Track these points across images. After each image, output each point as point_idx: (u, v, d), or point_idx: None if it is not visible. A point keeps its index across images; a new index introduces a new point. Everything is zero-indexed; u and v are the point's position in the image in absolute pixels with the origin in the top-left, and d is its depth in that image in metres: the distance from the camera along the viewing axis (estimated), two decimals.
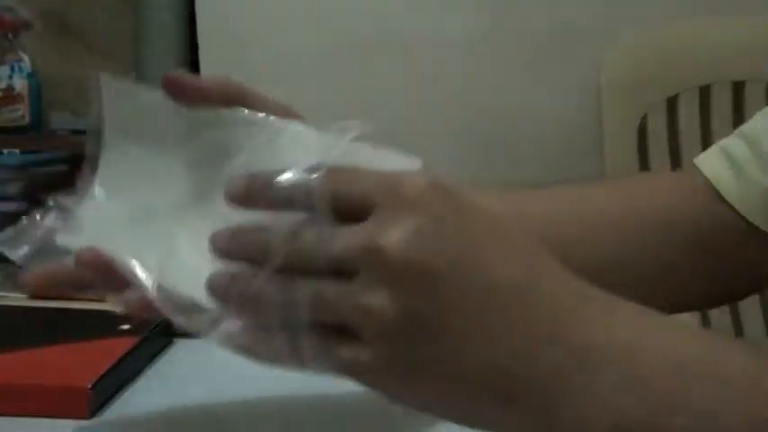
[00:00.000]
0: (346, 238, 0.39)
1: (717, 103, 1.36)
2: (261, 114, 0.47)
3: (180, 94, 0.48)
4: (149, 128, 0.49)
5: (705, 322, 1.26)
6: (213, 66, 1.54)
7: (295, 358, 0.40)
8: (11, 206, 1.74)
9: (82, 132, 2.23)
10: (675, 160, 1.36)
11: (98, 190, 0.49)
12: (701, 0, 1.45)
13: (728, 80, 1.36)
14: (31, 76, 2.03)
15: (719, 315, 1.29)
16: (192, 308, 0.43)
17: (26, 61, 2.03)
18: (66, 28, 2.13)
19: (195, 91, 0.48)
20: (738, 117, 1.36)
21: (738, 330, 1.33)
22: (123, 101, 0.49)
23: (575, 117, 1.49)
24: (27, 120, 2.01)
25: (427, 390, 0.41)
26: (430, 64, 1.53)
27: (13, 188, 1.79)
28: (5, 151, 1.85)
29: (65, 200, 0.48)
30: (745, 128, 0.66)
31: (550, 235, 0.61)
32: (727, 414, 0.41)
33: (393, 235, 0.38)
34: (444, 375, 0.40)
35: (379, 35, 1.53)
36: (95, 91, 0.49)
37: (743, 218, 0.63)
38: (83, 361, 0.58)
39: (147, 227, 0.47)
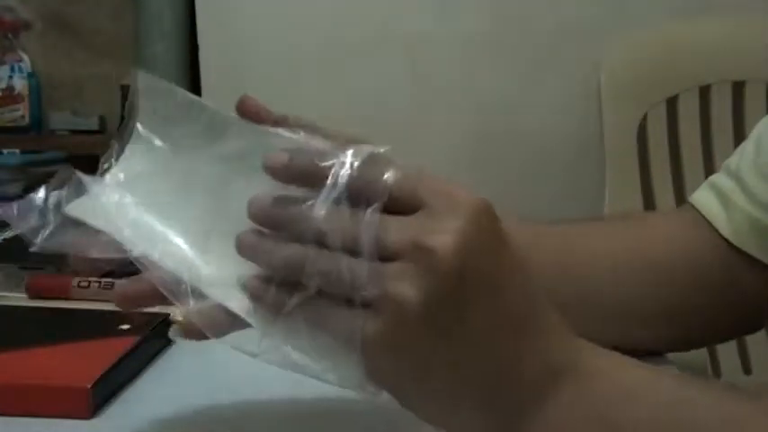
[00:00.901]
0: (397, 228, 0.41)
1: (717, 103, 1.36)
2: (288, 134, 0.46)
3: (250, 116, 0.49)
4: (178, 125, 0.49)
5: None
6: (213, 66, 1.54)
7: (311, 319, 0.42)
8: None
9: (82, 132, 2.22)
10: (675, 160, 1.36)
11: (117, 174, 0.49)
12: (701, 0, 1.44)
13: (728, 80, 1.36)
14: (31, 76, 2.03)
15: None
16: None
17: (26, 61, 2.03)
18: (67, 28, 2.13)
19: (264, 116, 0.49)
20: (738, 117, 1.36)
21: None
22: (158, 97, 0.49)
23: (575, 117, 1.49)
24: (27, 120, 2.02)
25: (416, 382, 0.43)
26: (430, 64, 1.53)
27: (13, 188, 1.79)
28: (5, 151, 1.85)
29: (79, 175, 0.48)
30: (728, 161, 0.69)
31: (558, 273, 0.63)
32: None
33: (444, 238, 0.40)
34: (437, 374, 0.42)
35: (379, 35, 1.53)
36: (132, 87, 0.49)
37: (736, 249, 0.64)
38: (83, 361, 0.58)
39: (163, 219, 0.47)
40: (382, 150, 0.43)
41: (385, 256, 0.41)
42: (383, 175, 0.42)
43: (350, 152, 0.42)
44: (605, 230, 0.69)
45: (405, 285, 0.40)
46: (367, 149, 0.43)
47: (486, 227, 0.42)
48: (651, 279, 0.66)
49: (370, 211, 0.41)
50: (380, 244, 0.41)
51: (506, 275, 0.43)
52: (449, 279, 0.40)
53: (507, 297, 0.43)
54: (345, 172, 0.42)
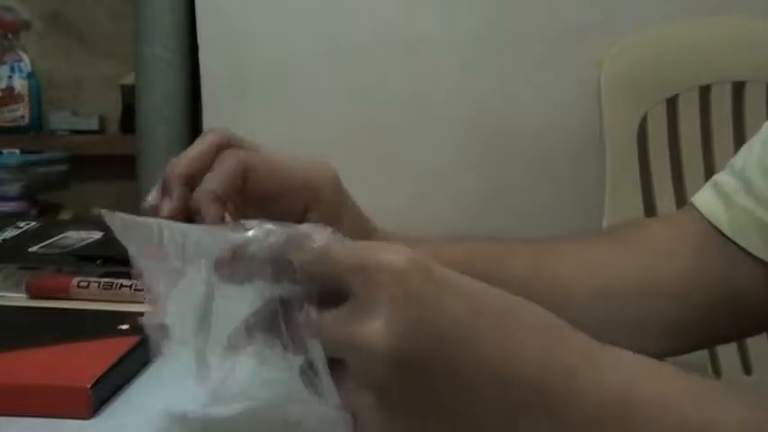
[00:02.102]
0: (331, 327, 0.41)
1: (717, 103, 1.36)
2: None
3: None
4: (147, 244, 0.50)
5: None
6: (213, 66, 1.54)
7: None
8: (11, 206, 1.74)
9: (82, 132, 2.22)
10: (675, 160, 1.36)
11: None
12: (701, 0, 1.45)
13: (728, 80, 1.36)
14: (31, 76, 2.03)
15: None
16: None
17: (26, 61, 2.03)
18: (67, 28, 2.13)
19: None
20: (738, 117, 1.36)
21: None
22: (127, 229, 0.51)
23: (575, 117, 1.49)
24: (27, 120, 2.02)
25: None
26: (430, 64, 1.53)
27: (13, 188, 1.79)
28: (5, 151, 1.85)
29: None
30: (733, 161, 0.68)
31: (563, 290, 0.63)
32: None
33: (374, 332, 0.39)
34: None
35: (379, 35, 1.53)
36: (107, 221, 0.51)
37: (738, 247, 0.64)
38: (83, 361, 0.58)
39: None
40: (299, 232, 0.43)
41: (332, 358, 0.41)
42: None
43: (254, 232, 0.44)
44: (607, 249, 0.69)
45: (360, 396, 0.40)
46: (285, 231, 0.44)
47: (414, 283, 0.39)
48: (656, 293, 0.66)
49: (306, 316, 0.42)
50: (326, 349, 0.41)
51: (464, 322, 0.40)
52: (398, 367, 0.39)
53: (478, 344, 0.40)
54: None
